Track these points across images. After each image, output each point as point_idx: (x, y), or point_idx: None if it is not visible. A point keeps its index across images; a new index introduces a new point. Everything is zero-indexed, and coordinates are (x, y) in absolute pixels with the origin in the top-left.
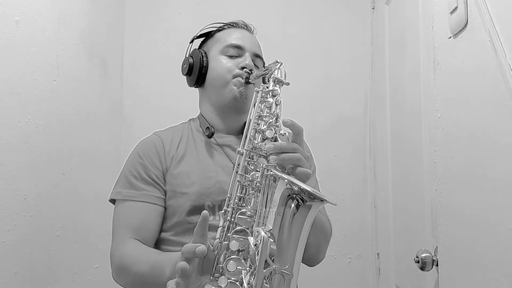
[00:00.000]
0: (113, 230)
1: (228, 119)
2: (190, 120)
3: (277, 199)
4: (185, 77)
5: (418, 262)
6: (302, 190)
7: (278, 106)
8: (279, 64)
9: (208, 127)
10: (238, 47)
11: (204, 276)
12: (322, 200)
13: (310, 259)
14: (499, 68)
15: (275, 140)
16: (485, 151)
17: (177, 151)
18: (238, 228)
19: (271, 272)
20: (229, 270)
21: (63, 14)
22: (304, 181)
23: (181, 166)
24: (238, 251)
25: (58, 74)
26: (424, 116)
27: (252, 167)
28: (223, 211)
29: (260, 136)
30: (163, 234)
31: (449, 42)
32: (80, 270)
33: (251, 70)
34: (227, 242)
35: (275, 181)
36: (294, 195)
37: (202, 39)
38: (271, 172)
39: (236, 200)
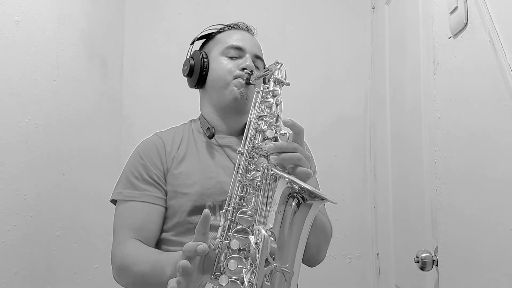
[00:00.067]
0: (114, 231)
1: (229, 120)
2: (191, 121)
3: (277, 198)
4: (185, 77)
5: (418, 262)
6: (302, 188)
7: (278, 106)
8: (279, 65)
9: (209, 128)
10: (238, 48)
11: (205, 275)
12: (322, 199)
13: (311, 259)
14: (499, 68)
15: (276, 140)
16: (485, 151)
17: (178, 152)
18: (238, 227)
19: (272, 270)
20: (230, 268)
21: (63, 14)
22: (304, 181)
23: (182, 166)
24: (239, 250)
25: (58, 74)
26: (424, 116)
27: (253, 167)
28: (224, 211)
29: (260, 136)
30: (164, 234)
31: (449, 42)
32: (80, 270)
33: (251, 71)
34: (228, 241)
35: (275, 180)
36: (295, 194)
37: (202, 40)
38: (272, 172)
39: (236, 200)
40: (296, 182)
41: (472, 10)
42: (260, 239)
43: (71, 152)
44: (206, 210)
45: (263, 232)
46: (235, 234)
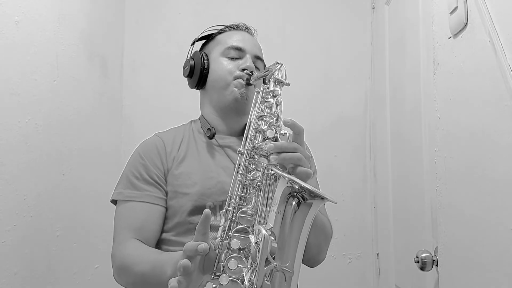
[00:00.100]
0: (114, 231)
1: (229, 120)
2: (191, 121)
3: (277, 197)
4: (185, 77)
5: (418, 262)
6: (303, 188)
7: (278, 107)
8: (279, 65)
9: (209, 128)
10: (239, 49)
11: (206, 274)
12: (322, 198)
13: (311, 260)
14: (499, 68)
15: (276, 140)
16: (485, 151)
17: (179, 152)
18: (239, 227)
19: (272, 269)
20: (230, 268)
21: (63, 14)
22: (304, 180)
23: (183, 166)
24: (239, 249)
25: (58, 74)
26: (424, 116)
27: (253, 167)
28: (224, 210)
29: (260, 136)
30: (164, 235)
31: (449, 42)
32: (80, 270)
33: (252, 71)
34: (228, 241)
35: (275, 180)
36: (295, 193)
37: (203, 41)
38: (272, 171)
39: (237, 199)
40: (296, 182)
41: (472, 10)
42: (260, 239)
43: (71, 152)
44: (207, 210)
45: (263, 231)
46: (235, 234)
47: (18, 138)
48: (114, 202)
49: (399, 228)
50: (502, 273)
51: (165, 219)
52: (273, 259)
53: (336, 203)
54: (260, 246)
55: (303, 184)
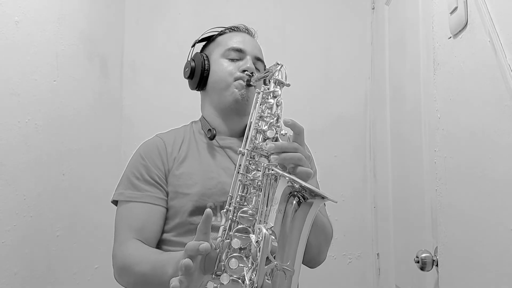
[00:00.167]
0: (115, 231)
1: (230, 121)
2: (192, 122)
3: (278, 197)
4: (185, 79)
5: (418, 262)
6: (303, 187)
7: (279, 107)
8: (279, 66)
9: (210, 129)
10: (239, 50)
11: (207, 274)
12: (323, 197)
13: (311, 260)
14: (499, 68)
15: (276, 140)
16: (485, 151)
17: (179, 153)
18: (239, 226)
19: (273, 268)
20: (231, 267)
21: (63, 14)
22: (305, 180)
23: (183, 167)
24: (240, 249)
25: (58, 74)
26: (424, 116)
27: (254, 167)
28: (225, 210)
29: (261, 136)
30: (165, 235)
31: (449, 42)
32: (80, 270)
33: (252, 72)
34: (229, 241)
35: (276, 180)
36: (295, 193)
37: (203, 42)
38: (273, 171)
39: (237, 199)
40: (296, 181)
41: (472, 10)
42: (261, 238)
43: (71, 152)
44: (208, 210)
45: (264, 230)
46: (236, 233)
47: (18, 138)
48: (115, 202)
49: (399, 228)
50: (502, 273)
51: (166, 220)
52: (274, 258)
53: (336, 202)
54: (261, 246)
55: (303, 183)
